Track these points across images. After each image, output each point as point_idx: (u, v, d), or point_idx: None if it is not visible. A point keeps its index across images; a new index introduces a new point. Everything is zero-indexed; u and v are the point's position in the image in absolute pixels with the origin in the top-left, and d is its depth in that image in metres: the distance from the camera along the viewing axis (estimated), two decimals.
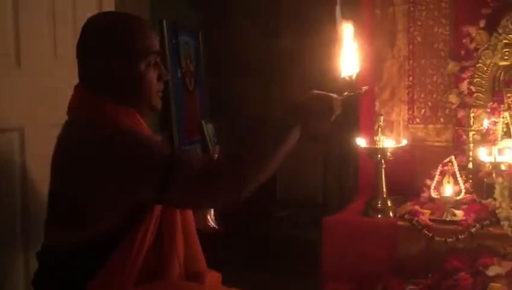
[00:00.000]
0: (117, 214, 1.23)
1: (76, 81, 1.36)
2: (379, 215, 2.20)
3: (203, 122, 3.64)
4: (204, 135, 3.66)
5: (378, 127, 2.23)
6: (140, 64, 1.30)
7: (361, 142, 2.28)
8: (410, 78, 2.52)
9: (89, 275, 1.23)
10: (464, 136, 2.31)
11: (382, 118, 2.26)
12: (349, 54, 1.50)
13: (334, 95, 1.36)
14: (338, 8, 3.65)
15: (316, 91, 1.35)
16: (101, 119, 1.27)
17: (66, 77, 1.51)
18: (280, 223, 3.36)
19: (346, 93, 1.43)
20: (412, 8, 2.50)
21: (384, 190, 2.22)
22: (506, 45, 2.29)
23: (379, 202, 2.22)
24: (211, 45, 3.71)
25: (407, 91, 2.53)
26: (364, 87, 1.49)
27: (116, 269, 1.23)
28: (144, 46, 1.32)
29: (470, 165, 2.25)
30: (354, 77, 1.47)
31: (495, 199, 1.97)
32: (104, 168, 1.21)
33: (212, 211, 1.59)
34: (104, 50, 1.29)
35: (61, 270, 1.27)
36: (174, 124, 3.30)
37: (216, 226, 1.60)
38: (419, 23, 2.49)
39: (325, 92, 1.35)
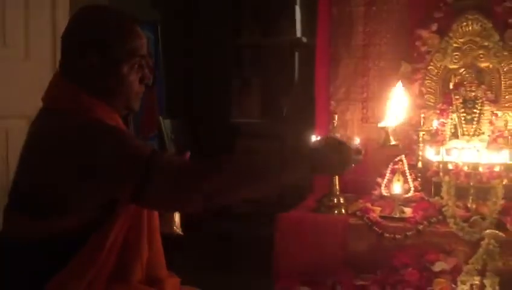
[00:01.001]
0: (91, 208, 1.21)
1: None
2: (331, 212, 2.23)
3: (160, 118, 3.60)
4: (161, 131, 3.62)
5: (333, 125, 2.27)
6: (123, 66, 1.28)
7: (316, 139, 2.32)
8: (365, 78, 2.58)
9: (47, 274, 1.20)
10: (415, 136, 2.38)
11: (337, 116, 2.30)
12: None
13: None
14: (297, 8, 3.68)
15: (338, 138, 1.34)
16: (82, 110, 1.25)
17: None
18: (237, 218, 3.36)
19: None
20: (367, 10, 2.55)
21: (337, 187, 2.26)
22: (456, 49, 2.36)
23: (332, 199, 2.25)
24: (169, 40, 3.67)
25: (361, 91, 2.58)
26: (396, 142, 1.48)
27: (78, 271, 1.21)
28: (130, 49, 1.29)
29: (419, 165, 2.31)
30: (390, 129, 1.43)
31: (442, 198, 2.03)
32: (85, 162, 1.18)
33: (178, 217, 1.58)
34: (89, 47, 1.27)
35: (19, 265, 1.23)
36: (131, 119, 3.25)
37: (182, 233, 1.58)
38: (374, 24, 2.55)
39: (347, 143, 1.30)
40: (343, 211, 2.24)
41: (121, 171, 1.18)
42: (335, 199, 2.25)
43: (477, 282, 1.79)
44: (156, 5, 3.49)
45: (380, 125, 1.38)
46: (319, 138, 1.28)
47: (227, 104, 3.70)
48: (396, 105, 1.40)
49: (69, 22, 1.33)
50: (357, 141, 1.30)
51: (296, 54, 3.60)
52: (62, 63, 1.32)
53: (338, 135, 1.26)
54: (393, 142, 1.37)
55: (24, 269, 1.23)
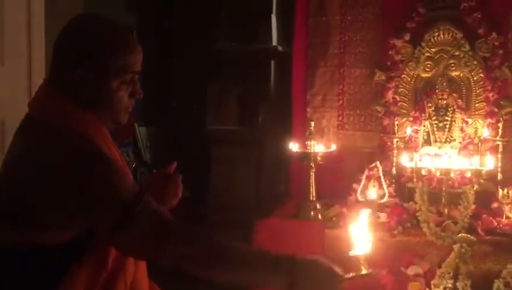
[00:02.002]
0: (71, 229, 1.18)
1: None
2: (308, 218, 2.26)
3: (135, 125, 3.57)
4: (136, 138, 3.59)
5: (309, 132, 2.30)
6: (113, 81, 1.25)
7: (293, 146, 2.34)
8: (341, 86, 2.62)
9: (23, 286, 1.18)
10: (389, 143, 2.43)
11: (313, 123, 2.33)
12: (362, 234, 1.41)
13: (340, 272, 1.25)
14: (273, 17, 3.71)
15: (325, 261, 1.24)
16: (70, 123, 1.22)
17: None
18: (213, 227, 3.36)
19: (350, 275, 1.30)
20: (343, 19, 2.60)
21: (314, 193, 2.29)
22: (428, 58, 2.43)
23: (309, 205, 2.28)
24: (145, 45, 3.66)
25: (337, 98, 2.63)
26: (370, 271, 1.36)
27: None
28: (123, 64, 1.25)
29: (394, 171, 2.36)
30: (362, 258, 1.37)
31: (415, 203, 2.07)
32: (68, 186, 1.15)
33: None
34: (80, 59, 1.23)
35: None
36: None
37: None
38: (349, 33, 2.60)
39: (332, 267, 1.24)
40: (319, 216, 2.26)
41: (100, 208, 1.15)
42: (312, 205, 2.28)
43: (450, 285, 1.83)
44: (131, 9, 3.48)
45: (351, 253, 1.37)
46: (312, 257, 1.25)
47: (203, 111, 3.70)
48: (362, 233, 1.42)
49: (62, 30, 1.29)
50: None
51: (272, 62, 3.64)
52: (52, 71, 1.29)
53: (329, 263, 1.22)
54: (364, 271, 1.35)
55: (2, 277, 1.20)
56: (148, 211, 1.16)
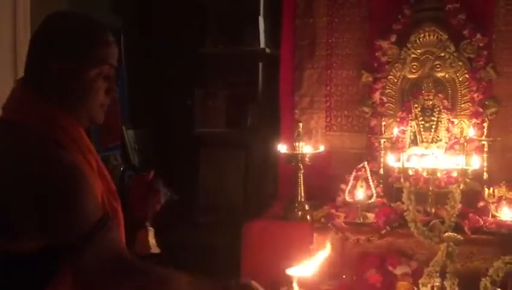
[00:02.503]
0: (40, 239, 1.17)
1: None
2: (297, 220, 2.26)
3: (123, 128, 3.55)
4: (124, 142, 3.57)
5: (297, 133, 2.31)
6: (91, 70, 1.26)
7: (281, 148, 2.35)
8: (328, 88, 2.63)
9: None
10: (376, 144, 2.45)
11: (301, 124, 2.34)
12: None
13: None
14: (261, 19, 3.71)
15: (250, 283, 1.36)
16: (45, 131, 1.21)
17: None
18: (202, 229, 3.35)
19: None
20: (330, 21, 2.61)
21: (302, 194, 2.30)
22: (414, 59, 2.45)
23: (297, 206, 2.28)
24: (132, 48, 3.64)
25: (325, 100, 2.64)
26: None
27: None
28: (102, 55, 1.28)
29: (381, 171, 2.38)
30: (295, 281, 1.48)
31: (403, 203, 2.09)
32: (32, 199, 1.15)
33: (152, 237, 1.56)
34: (56, 52, 1.24)
35: None
36: (92, 129, 3.20)
37: (159, 251, 1.57)
38: (336, 35, 2.61)
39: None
40: (308, 217, 2.27)
41: (58, 230, 1.16)
42: (300, 206, 2.28)
43: (437, 284, 1.84)
44: (116, 12, 3.47)
45: (288, 272, 1.50)
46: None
47: (191, 114, 3.69)
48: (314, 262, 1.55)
49: (39, 28, 1.30)
50: None
51: (260, 64, 3.64)
52: (28, 69, 1.29)
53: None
54: None
55: None
56: (101, 245, 1.17)
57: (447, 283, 1.83)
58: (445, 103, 2.41)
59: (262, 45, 3.57)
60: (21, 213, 1.15)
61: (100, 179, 1.30)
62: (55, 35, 1.27)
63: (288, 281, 1.47)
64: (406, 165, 2.18)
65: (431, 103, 2.40)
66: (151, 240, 1.56)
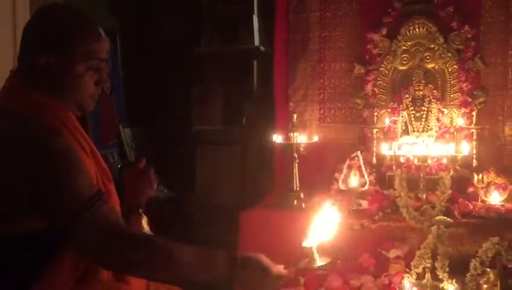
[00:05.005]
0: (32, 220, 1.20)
1: None
2: (292, 208, 2.31)
3: (120, 126, 3.60)
4: (121, 140, 3.62)
5: (292, 124, 2.36)
6: (78, 65, 1.28)
7: (276, 138, 2.40)
8: (321, 81, 2.69)
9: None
10: (369, 134, 2.50)
11: (295, 115, 2.39)
12: (318, 225, 1.40)
13: (281, 270, 1.31)
14: (255, 18, 3.77)
15: (264, 259, 1.30)
16: (36, 118, 1.23)
17: None
18: (199, 223, 3.39)
19: (301, 266, 1.35)
20: (322, 15, 2.68)
21: (297, 183, 2.34)
22: (405, 51, 2.52)
23: (292, 195, 2.33)
24: (128, 48, 3.70)
25: (318, 92, 2.69)
26: (326, 261, 1.35)
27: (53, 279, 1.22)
28: (89, 50, 1.29)
29: (374, 160, 2.43)
30: (314, 249, 1.35)
31: (395, 189, 2.14)
32: (27, 179, 1.18)
33: (146, 223, 1.59)
34: (47, 45, 1.27)
35: None
36: (89, 128, 3.24)
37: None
38: (329, 29, 2.68)
39: (270, 266, 1.29)
40: (303, 205, 2.32)
41: (54, 205, 1.18)
42: (295, 195, 2.33)
43: (428, 265, 1.89)
44: (113, 11, 3.52)
45: (304, 245, 1.34)
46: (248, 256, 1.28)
47: (188, 111, 3.74)
48: (325, 224, 1.39)
49: (29, 20, 1.33)
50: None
51: (255, 62, 3.70)
52: (21, 60, 1.32)
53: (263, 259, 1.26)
54: (319, 263, 1.33)
55: None
56: (98, 215, 1.19)
57: (437, 265, 1.88)
58: (435, 93, 2.47)
59: (256, 43, 3.63)
60: (14, 194, 1.18)
61: (94, 161, 1.32)
62: (44, 30, 1.29)
63: (308, 252, 1.35)
64: (398, 153, 2.24)
65: (421, 93, 2.47)
66: (145, 226, 1.58)
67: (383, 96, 2.57)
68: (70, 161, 1.21)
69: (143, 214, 1.60)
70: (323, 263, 1.34)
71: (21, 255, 1.21)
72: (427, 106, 2.46)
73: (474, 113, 2.39)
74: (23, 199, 1.18)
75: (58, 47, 1.27)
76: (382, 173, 2.39)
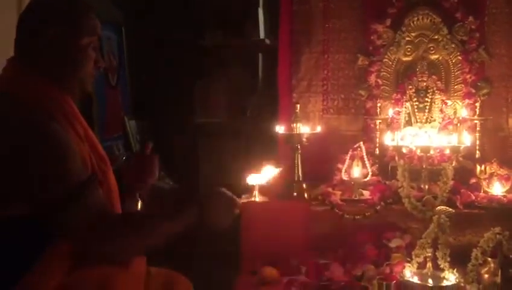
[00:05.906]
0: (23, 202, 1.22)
1: None
2: (295, 198, 2.32)
3: (125, 118, 3.61)
4: (126, 132, 3.63)
5: (295, 115, 2.37)
6: (83, 38, 1.32)
7: (279, 129, 2.41)
8: (325, 72, 2.69)
9: None
10: (372, 125, 2.50)
11: (298, 106, 2.40)
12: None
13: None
14: (260, 11, 3.77)
15: (220, 189, 1.42)
16: (32, 101, 1.25)
17: None
18: None
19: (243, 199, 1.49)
20: (326, 6, 2.67)
21: (300, 173, 2.35)
22: (409, 42, 2.51)
23: (295, 185, 2.34)
24: (133, 40, 3.70)
25: (322, 83, 2.69)
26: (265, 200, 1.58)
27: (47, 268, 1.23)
28: (92, 25, 1.34)
29: (377, 151, 2.44)
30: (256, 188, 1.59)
31: (397, 180, 2.14)
32: (19, 163, 1.20)
33: (141, 204, 1.62)
34: (50, 17, 1.30)
35: None
36: (95, 120, 3.26)
37: None
38: (333, 20, 2.67)
39: (227, 193, 1.42)
40: (306, 195, 2.33)
41: (43, 189, 1.19)
42: (298, 185, 2.34)
43: (429, 254, 1.90)
44: (119, 5, 3.53)
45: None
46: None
47: (192, 104, 3.75)
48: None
49: (28, 4, 1.36)
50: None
51: (260, 55, 3.70)
52: (16, 47, 1.34)
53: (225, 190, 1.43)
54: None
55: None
56: (87, 201, 1.21)
57: (438, 254, 1.88)
58: (439, 84, 2.46)
59: (262, 36, 3.63)
60: (5, 177, 1.19)
61: (89, 145, 1.34)
62: (47, 5, 1.33)
63: (250, 188, 1.63)
64: (400, 143, 2.24)
65: (425, 84, 2.46)
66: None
67: (387, 87, 2.56)
68: (62, 145, 1.23)
69: (138, 199, 1.62)
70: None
71: (14, 241, 1.22)
72: (430, 97, 2.45)
73: (477, 104, 2.38)
74: (12, 181, 1.19)
75: (63, 21, 1.31)
76: (385, 164, 2.39)
